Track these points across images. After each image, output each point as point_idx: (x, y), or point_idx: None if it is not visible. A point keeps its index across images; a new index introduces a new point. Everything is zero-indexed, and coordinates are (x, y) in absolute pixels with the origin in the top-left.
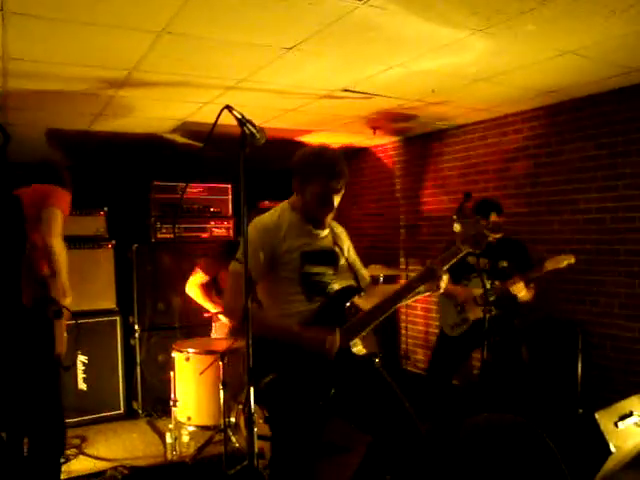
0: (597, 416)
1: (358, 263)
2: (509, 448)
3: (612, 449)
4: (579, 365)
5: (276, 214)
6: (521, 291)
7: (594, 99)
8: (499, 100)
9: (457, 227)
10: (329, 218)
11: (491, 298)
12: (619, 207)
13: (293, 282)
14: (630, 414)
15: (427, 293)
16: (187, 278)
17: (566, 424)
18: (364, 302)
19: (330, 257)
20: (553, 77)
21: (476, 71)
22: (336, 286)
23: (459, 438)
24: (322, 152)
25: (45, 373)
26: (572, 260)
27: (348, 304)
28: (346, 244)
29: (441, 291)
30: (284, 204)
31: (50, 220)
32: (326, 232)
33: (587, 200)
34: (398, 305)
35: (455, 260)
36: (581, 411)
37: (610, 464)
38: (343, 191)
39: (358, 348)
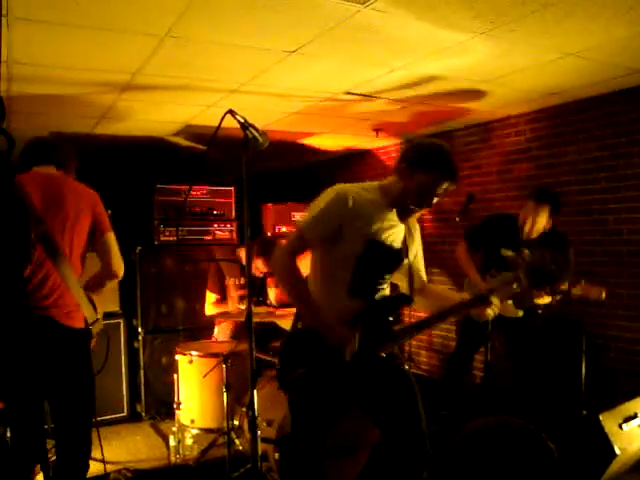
0: (601, 418)
1: (420, 264)
2: (509, 451)
3: (617, 451)
4: (583, 366)
5: (361, 188)
6: (543, 299)
7: (596, 101)
8: (501, 102)
9: (526, 253)
10: (418, 215)
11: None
12: (622, 208)
13: (346, 265)
14: (635, 416)
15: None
16: (190, 280)
17: (570, 426)
18: (418, 301)
19: (394, 257)
20: (555, 79)
21: (478, 73)
22: (385, 291)
23: (459, 441)
24: (446, 151)
25: (87, 386)
26: (602, 297)
27: (392, 316)
28: (416, 243)
29: (485, 318)
30: (373, 183)
31: (115, 249)
32: (403, 227)
33: (590, 202)
34: (439, 324)
35: (509, 295)
36: (585, 413)
37: (615, 467)
38: (444, 195)
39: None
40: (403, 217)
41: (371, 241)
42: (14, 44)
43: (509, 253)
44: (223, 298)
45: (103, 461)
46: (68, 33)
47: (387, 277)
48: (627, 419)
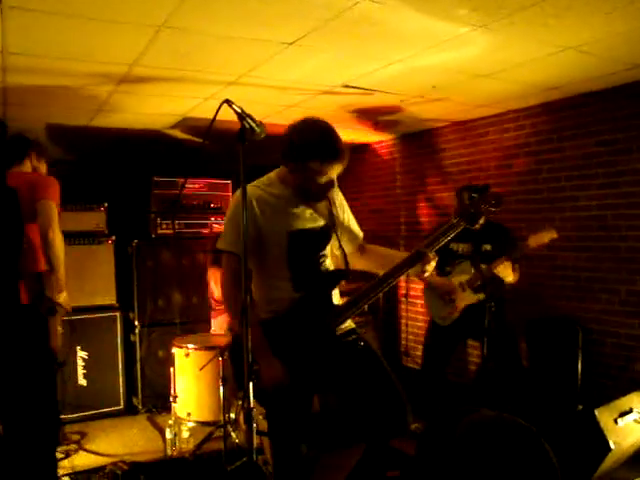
0: (597, 413)
1: (352, 226)
2: (503, 447)
3: (611, 446)
4: (579, 362)
5: (262, 185)
6: (508, 273)
7: (596, 95)
8: (500, 96)
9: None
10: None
11: (476, 284)
12: (620, 204)
13: (280, 264)
14: (630, 411)
15: (415, 277)
16: (187, 274)
17: (565, 421)
18: (359, 261)
19: (321, 237)
20: (554, 73)
21: (477, 67)
22: (327, 267)
23: (454, 438)
24: (324, 133)
25: (40, 368)
26: (554, 235)
27: (334, 291)
28: (341, 208)
29: (427, 274)
30: (270, 175)
31: (48, 214)
32: (320, 203)
33: (588, 197)
34: (384, 290)
35: (448, 237)
36: (581, 408)
37: (609, 461)
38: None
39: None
40: (316, 199)
41: (292, 233)
42: (8, 34)
43: (460, 245)
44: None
45: (98, 454)
46: (64, 23)
47: (323, 252)
48: (622, 414)
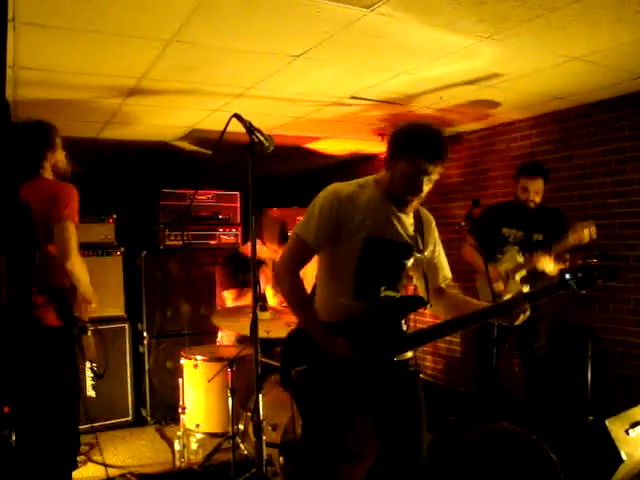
0: (608, 423)
1: (440, 262)
2: (510, 461)
3: (623, 457)
4: (589, 372)
5: (356, 185)
6: (548, 266)
7: (602, 105)
8: (506, 106)
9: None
10: (415, 203)
11: (521, 274)
12: (628, 213)
13: (349, 267)
14: None
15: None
16: (196, 285)
17: (576, 431)
18: (435, 304)
19: (398, 251)
20: (561, 83)
21: (483, 78)
22: (390, 293)
23: (459, 451)
24: (425, 129)
25: (68, 388)
26: (592, 227)
27: (404, 319)
28: (432, 238)
29: (516, 324)
30: (368, 178)
31: (65, 239)
32: (410, 220)
33: (596, 206)
34: (459, 331)
35: (546, 298)
36: (591, 418)
37: (621, 473)
38: (437, 177)
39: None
40: (401, 208)
41: (369, 239)
42: (20, 49)
43: (512, 231)
44: (243, 288)
45: (107, 465)
46: (74, 38)
47: (397, 274)
48: (634, 425)
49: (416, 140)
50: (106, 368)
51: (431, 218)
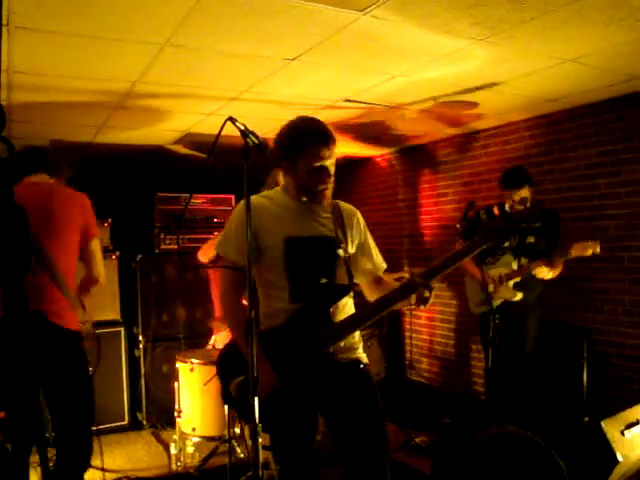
0: (603, 424)
1: (369, 252)
2: (516, 466)
3: (619, 458)
4: (584, 373)
5: (264, 196)
6: (546, 275)
7: (596, 107)
8: (501, 108)
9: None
10: (329, 191)
11: (515, 280)
12: (623, 214)
13: (279, 273)
14: (637, 422)
15: (412, 307)
16: (191, 289)
17: (572, 432)
18: (368, 293)
19: (322, 246)
20: (555, 85)
21: (477, 80)
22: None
23: (464, 455)
24: (304, 123)
25: (84, 389)
26: (597, 249)
27: (332, 308)
28: (357, 230)
29: (427, 306)
30: (277, 188)
31: (97, 257)
32: (326, 215)
33: (590, 208)
34: (377, 317)
35: (463, 259)
36: (587, 419)
37: (617, 474)
38: (334, 158)
39: (347, 354)
40: (317, 198)
41: (288, 239)
42: (14, 53)
43: None
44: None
45: (103, 469)
46: (68, 42)
47: (329, 266)
48: (629, 425)
49: (302, 134)
50: (94, 371)
51: (354, 210)
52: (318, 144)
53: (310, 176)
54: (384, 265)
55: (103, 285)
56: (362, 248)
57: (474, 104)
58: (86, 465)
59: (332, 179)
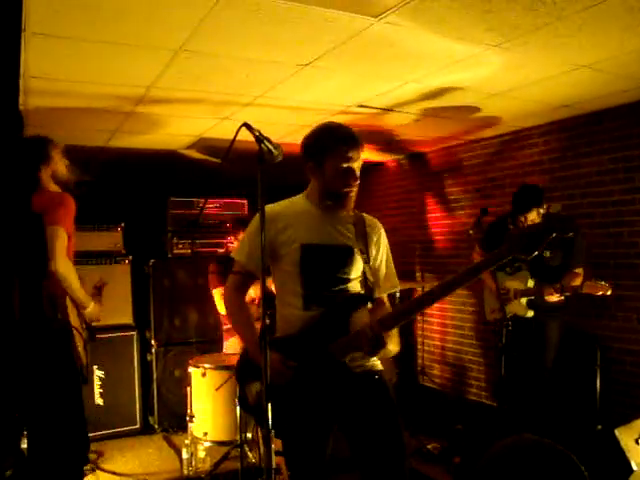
0: (617, 433)
1: (382, 269)
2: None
3: (634, 467)
4: (598, 380)
5: (284, 203)
6: (554, 299)
7: (609, 113)
8: (514, 114)
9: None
10: (354, 195)
11: (528, 298)
12: (636, 221)
13: (294, 279)
14: None
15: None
16: (203, 293)
17: (585, 440)
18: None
19: (339, 253)
20: (568, 91)
21: (491, 86)
22: (348, 292)
23: (483, 464)
24: (334, 125)
25: (70, 387)
26: (608, 292)
27: (351, 317)
28: (377, 245)
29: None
30: (299, 195)
31: (53, 241)
32: (348, 225)
33: (604, 214)
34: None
35: (488, 268)
36: (600, 427)
37: None
38: (360, 162)
39: (361, 362)
40: (343, 202)
41: (305, 246)
42: (30, 58)
43: None
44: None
45: (115, 473)
46: (84, 48)
47: (344, 275)
48: None
49: (331, 136)
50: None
51: (378, 225)
52: (347, 145)
53: (337, 177)
54: (396, 288)
55: (62, 281)
56: (376, 262)
57: (486, 109)
58: (81, 463)
59: (357, 183)
